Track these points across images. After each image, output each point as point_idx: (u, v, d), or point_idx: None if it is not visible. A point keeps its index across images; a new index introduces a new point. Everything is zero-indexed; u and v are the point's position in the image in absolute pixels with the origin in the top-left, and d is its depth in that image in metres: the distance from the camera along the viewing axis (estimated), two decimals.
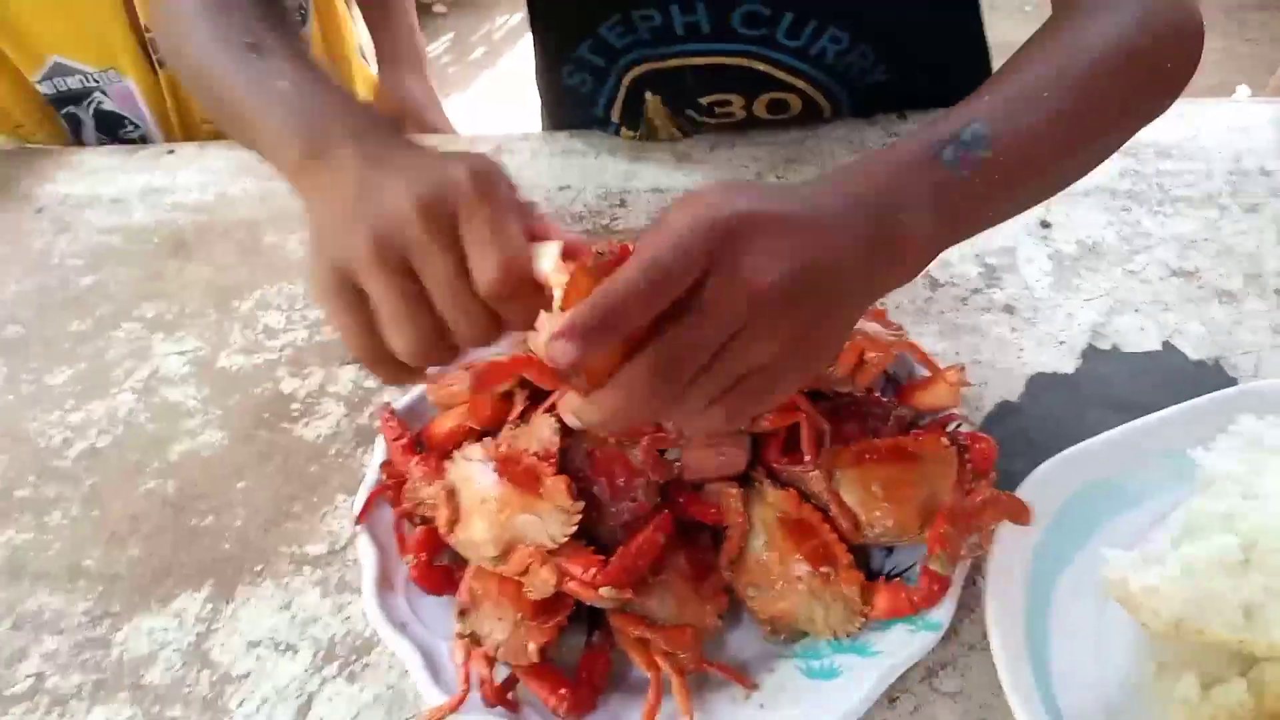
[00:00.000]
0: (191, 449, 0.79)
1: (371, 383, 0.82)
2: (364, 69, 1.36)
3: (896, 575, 0.63)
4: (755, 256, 0.47)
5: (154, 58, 1.11)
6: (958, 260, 0.88)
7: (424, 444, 0.71)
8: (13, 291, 0.95)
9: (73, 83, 1.10)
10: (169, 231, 1.00)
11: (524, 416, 0.68)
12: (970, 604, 0.64)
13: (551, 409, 0.67)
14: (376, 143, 0.53)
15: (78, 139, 1.17)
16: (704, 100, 1.03)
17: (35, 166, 1.11)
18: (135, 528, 0.74)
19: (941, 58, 1.04)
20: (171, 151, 1.11)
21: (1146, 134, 1.00)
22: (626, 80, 1.02)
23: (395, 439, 0.69)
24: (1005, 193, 0.58)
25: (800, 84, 0.99)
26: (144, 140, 1.17)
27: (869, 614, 0.60)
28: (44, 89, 1.10)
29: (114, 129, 1.15)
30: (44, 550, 0.73)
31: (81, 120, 1.14)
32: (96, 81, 1.11)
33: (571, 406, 0.49)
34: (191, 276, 0.95)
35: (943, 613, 0.59)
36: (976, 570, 0.64)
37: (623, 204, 0.99)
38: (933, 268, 0.87)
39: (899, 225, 0.52)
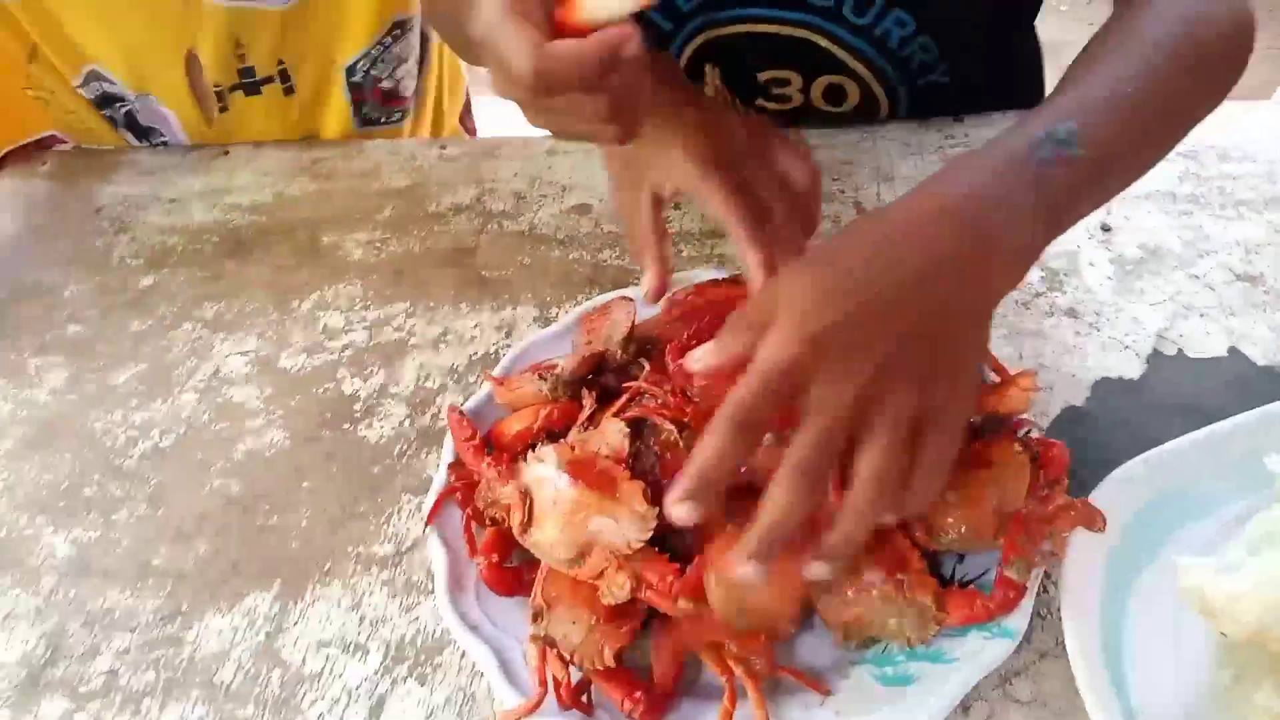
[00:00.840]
0: (255, 449, 0.80)
1: (432, 383, 0.83)
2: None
3: (969, 583, 0.63)
4: (846, 353, 0.50)
5: (213, 111, 1.11)
6: None
7: (492, 444, 0.71)
8: (74, 291, 0.96)
9: (107, 87, 1.10)
10: (227, 232, 1.01)
11: (593, 419, 0.69)
12: (1040, 611, 0.64)
13: (620, 412, 0.67)
14: None
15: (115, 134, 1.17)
16: (762, 77, 1.02)
17: (93, 167, 1.12)
18: (201, 527, 0.75)
19: (999, 62, 1.04)
20: (226, 153, 1.11)
21: (1205, 136, 1.00)
22: (689, 51, 1.02)
23: (466, 440, 0.70)
24: (1099, 185, 0.60)
25: (860, 68, 0.99)
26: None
27: (943, 621, 0.59)
28: (86, 93, 1.11)
29: (144, 136, 1.15)
30: (112, 548, 0.74)
31: (117, 121, 1.14)
32: (130, 100, 1.11)
33: (739, 568, 0.52)
34: (250, 277, 0.96)
35: (1018, 620, 0.59)
36: (1047, 577, 0.64)
37: (676, 206, 0.99)
38: None
39: (994, 227, 0.53)
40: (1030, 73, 1.10)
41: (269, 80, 1.10)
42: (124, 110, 1.12)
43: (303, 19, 1.06)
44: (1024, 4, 1.00)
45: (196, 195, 1.06)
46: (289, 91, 1.11)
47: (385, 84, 1.15)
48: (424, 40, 1.20)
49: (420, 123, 1.25)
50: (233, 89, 1.10)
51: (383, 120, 1.18)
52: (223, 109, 1.11)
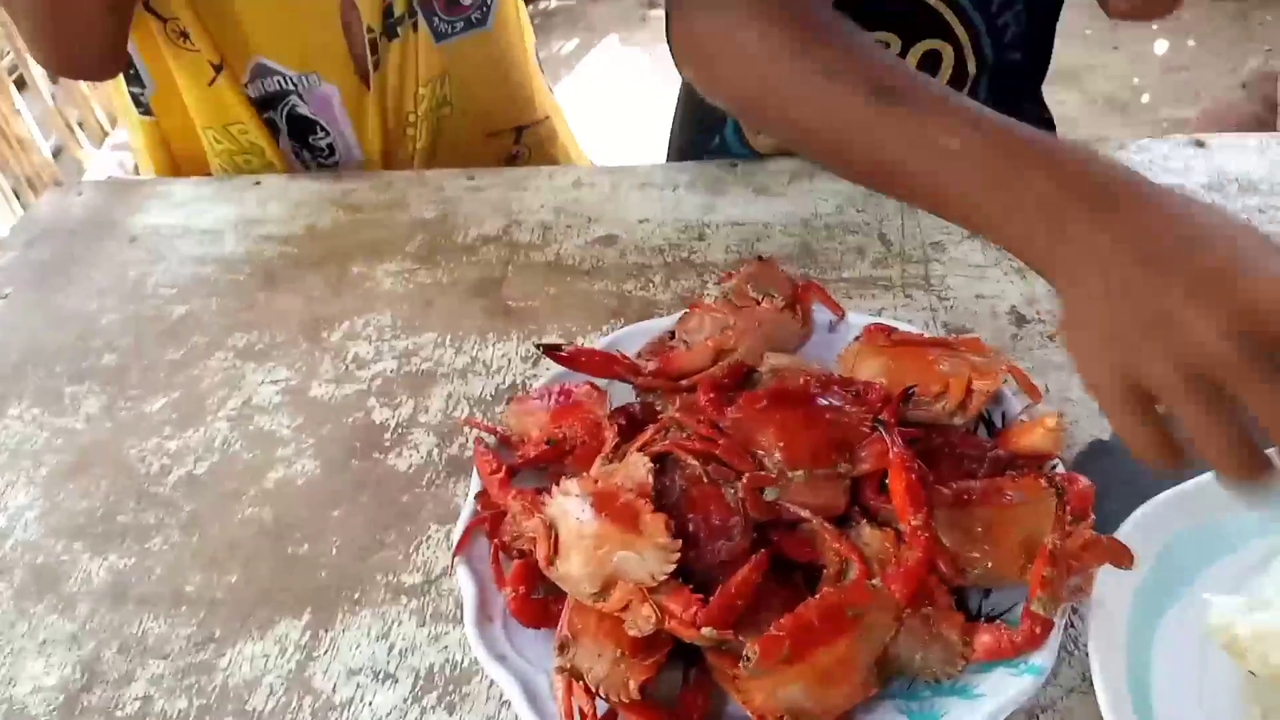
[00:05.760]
0: (286, 477, 0.81)
1: (460, 413, 0.84)
2: None
3: (995, 617, 0.63)
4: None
5: (368, 68, 1.11)
6: (1044, 296, 0.88)
7: (516, 467, 0.72)
8: (110, 320, 0.98)
9: (270, 85, 1.11)
10: (259, 262, 1.03)
11: (616, 452, 0.69)
12: (1067, 646, 0.64)
13: (645, 447, 0.68)
14: (1112, 213, 0.54)
15: (277, 145, 1.17)
16: None
17: (128, 197, 1.14)
18: (234, 554, 0.76)
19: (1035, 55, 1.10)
20: (258, 183, 1.13)
21: (1231, 167, 1.00)
22: None
23: (491, 473, 0.70)
24: None
25: (960, 31, 1.01)
26: (331, 149, 1.17)
27: (970, 656, 0.59)
28: (250, 92, 1.11)
29: (304, 135, 1.16)
30: (146, 575, 0.75)
31: (278, 126, 1.15)
32: (294, 85, 1.11)
33: None
34: (281, 307, 0.97)
35: (1045, 656, 0.59)
36: (1073, 612, 0.64)
37: (701, 237, 1.00)
38: (1019, 304, 0.87)
39: None
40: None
41: (401, 20, 1.10)
42: (286, 109, 1.13)
43: None
44: None
45: (230, 226, 1.08)
46: (415, 27, 1.11)
47: None
48: None
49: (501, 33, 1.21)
50: (381, 34, 1.10)
51: (450, 33, 1.15)
52: (376, 63, 1.11)
